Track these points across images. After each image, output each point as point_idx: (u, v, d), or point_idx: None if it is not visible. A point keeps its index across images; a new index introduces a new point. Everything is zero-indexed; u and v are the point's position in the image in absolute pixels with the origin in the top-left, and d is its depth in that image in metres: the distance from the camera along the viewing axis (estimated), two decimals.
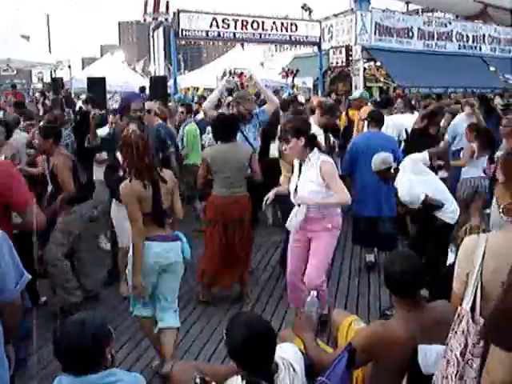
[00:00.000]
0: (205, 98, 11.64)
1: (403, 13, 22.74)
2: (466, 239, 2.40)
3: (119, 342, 4.56)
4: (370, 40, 20.00)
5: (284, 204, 5.30)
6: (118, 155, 5.39)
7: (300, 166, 4.53)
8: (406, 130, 8.32)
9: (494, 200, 5.18)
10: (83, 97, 13.21)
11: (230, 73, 17.57)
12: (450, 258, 4.25)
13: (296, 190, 4.48)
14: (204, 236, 5.55)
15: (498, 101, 14.43)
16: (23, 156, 6.55)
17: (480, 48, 23.48)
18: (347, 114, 9.52)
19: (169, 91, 15.35)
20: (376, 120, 6.49)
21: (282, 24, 15.92)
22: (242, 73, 17.56)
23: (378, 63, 20.16)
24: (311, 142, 4.43)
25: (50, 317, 4.98)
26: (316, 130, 6.76)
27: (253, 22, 15.26)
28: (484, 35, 23.56)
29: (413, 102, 11.65)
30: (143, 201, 3.83)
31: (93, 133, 6.16)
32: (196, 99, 15.57)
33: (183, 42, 15.98)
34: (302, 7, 19.39)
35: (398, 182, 5.14)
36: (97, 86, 13.56)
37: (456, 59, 21.71)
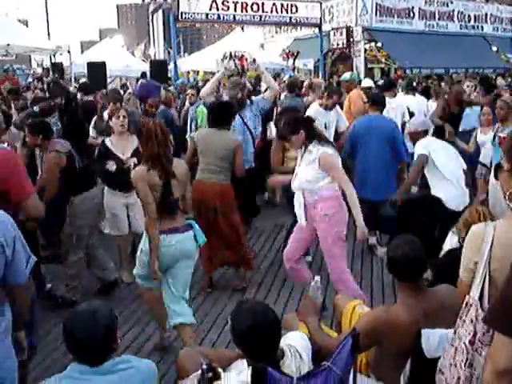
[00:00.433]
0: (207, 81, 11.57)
1: None
2: (474, 227, 2.41)
3: (125, 327, 4.62)
4: (370, 21, 19.89)
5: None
6: (107, 141, 5.39)
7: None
8: (409, 111, 8.32)
9: (491, 185, 5.16)
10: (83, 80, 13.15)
11: (231, 55, 17.43)
12: (452, 240, 4.23)
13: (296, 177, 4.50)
14: None
15: (500, 81, 14.36)
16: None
17: (482, 28, 23.31)
18: None
19: (169, 75, 15.30)
20: (377, 103, 6.46)
21: (282, 5, 15.81)
22: (242, 55, 17.43)
23: (379, 44, 20.03)
24: (311, 133, 4.41)
25: (52, 305, 5.03)
26: (316, 109, 6.77)
27: (252, 4, 15.16)
28: (486, 14, 23.38)
29: (414, 84, 11.57)
30: (154, 189, 3.78)
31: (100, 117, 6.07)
32: (201, 83, 15.49)
33: (183, 25, 15.88)
34: None
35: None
36: (97, 70, 13.52)
37: (457, 39, 21.59)
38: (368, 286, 5.49)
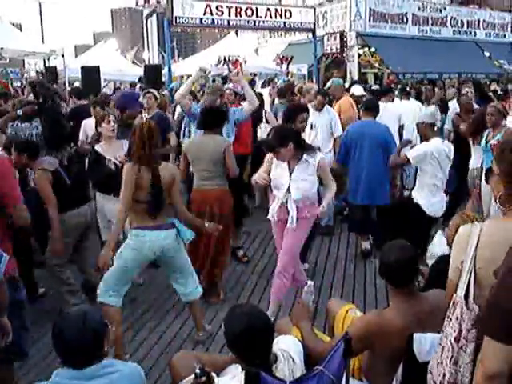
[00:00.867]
0: (203, 86, 11.60)
1: None
2: (461, 228, 2.46)
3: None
4: (364, 26, 19.96)
5: None
6: (97, 147, 5.36)
7: (288, 164, 4.61)
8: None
9: (484, 189, 5.18)
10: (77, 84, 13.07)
11: (225, 60, 17.48)
12: (441, 240, 4.25)
13: (288, 189, 4.58)
14: None
15: (495, 87, 14.43)
16: None
17: (475, 33, 23.46)
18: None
19: (163, 79, 15.30)
20: (370, 109, 6.48)
21: (276, 11, 15.83)
22: (236, 60, 17.48)
23: (373, 49, 20.12)
24: (299, 144, 4.57)
25: (48, 308, 5.03)
26: (312, 112, 6.81)
27: (246, 9, 15.16)
28: (479, 20, 23.53)
29: (407, 89, 11.59)
30: (140, 188, 3.90)
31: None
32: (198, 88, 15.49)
33: (177, 30, 15.89)
34: None
35: None
36: (91, 74, 13.50)
37: (450, 45, 21.71)
38: (361, 291, 5.51)
